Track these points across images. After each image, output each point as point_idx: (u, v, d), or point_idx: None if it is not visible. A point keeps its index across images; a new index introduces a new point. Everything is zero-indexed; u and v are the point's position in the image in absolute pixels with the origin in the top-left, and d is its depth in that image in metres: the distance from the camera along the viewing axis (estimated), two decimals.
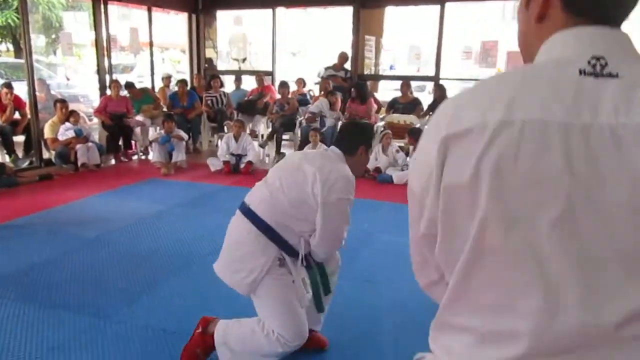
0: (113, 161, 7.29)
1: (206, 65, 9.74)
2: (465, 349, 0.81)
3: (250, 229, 2.31)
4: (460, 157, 0.76)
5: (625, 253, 0.72)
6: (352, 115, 7.24)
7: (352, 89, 7.70)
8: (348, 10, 8.73)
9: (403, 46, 13.50)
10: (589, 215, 0.72)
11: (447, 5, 7.83)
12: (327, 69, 8.69)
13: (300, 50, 17.02)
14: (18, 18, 10.29)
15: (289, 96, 7.91)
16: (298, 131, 7.63)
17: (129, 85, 7.93)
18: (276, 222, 2.24)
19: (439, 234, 0.82)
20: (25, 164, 6.70)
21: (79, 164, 6.45)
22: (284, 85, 7.87)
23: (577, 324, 0.73)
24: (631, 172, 0.70)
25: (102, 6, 7.62)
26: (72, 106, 6.95)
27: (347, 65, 8.53)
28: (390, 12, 9.08)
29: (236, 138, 6.66)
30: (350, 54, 8.58)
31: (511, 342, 0.76)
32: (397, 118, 7.50)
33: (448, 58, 7.76)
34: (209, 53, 9.94)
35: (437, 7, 7.88)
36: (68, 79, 10.93)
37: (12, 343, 2.55)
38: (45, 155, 6.76)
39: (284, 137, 7.64)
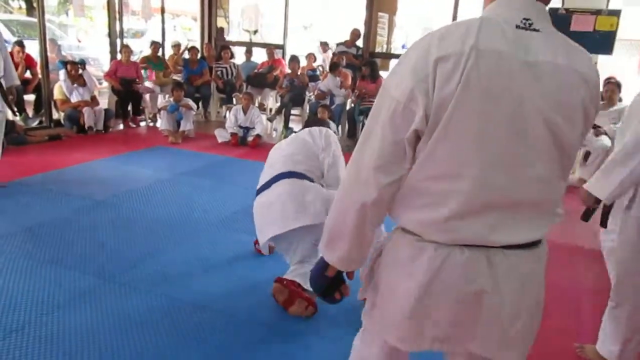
0: (121, 126, 7.32)
1: (216, 35, 9.67)
2: (427, 208, 1.13)
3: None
4: (447, 72, 1.05)
5: (529, 149, 1.09)
6: (362, 94, 7.20)
7: (363, 67, 7.64)
8: None
9: (416, 25, 13.33)
10: (514, 119, 1.07)
11: None
12: (338, 45, 8.60)
13: (312, 24, 16.80)
14: None
15: (299, 72, 7.85)
16: (307, 106, 7.61)
17: (153, 43, 8.04)
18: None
19: (427, 127, 1.08)
20: (35, 124, 6.74)
21: (86, 126, 6.47)
22: (294, 59, 7.81)
23: (498, 190, 1.10)
24: (551, 92, 1.07)
25: None
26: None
27: (359, 43, 8.45)
28: None
29: (245, 110, 6.66)
30: (362, 31, 8.49)
31: (454, 200, 1.10)
32: None
33: None
34: (220, 23, 9.84)
35: None
36: (79, 41, 10.88)
37: (19, 298, 2.62)
38: (55, 115, 6.79)
39: (293, 112, 7.62)
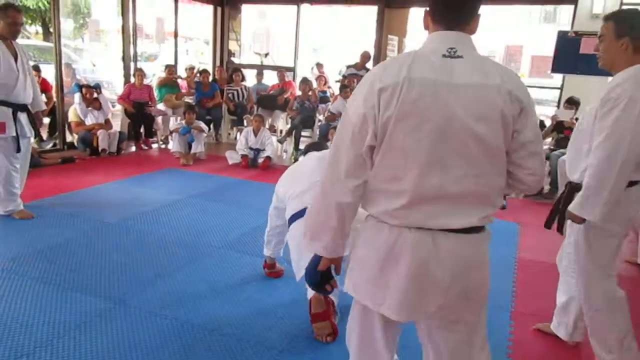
0: (133, 148, 7.41)
1: (229, 58, 9.82)
2: (384, 201, 1.45)
3: None
4: (387, 98, 1.36)
5: (456, 154, 1.37)
6: None
7: None
8: (372, 9, 8.74)
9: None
10: (448, 135, 1.36)
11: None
12: (348, 67, 8.70)
13: (322, 47, 17.00)
14: (48, 2, 10.49)
15: (310, 93, 7.93)
16: (317, 129, 7.66)
17: (168, 67, 8.29)
18: None
19: (377, 143, 1.41)
20: (49, 146, 6.85)
21: (100, 149, 6.56)
22: (305, 81, 7.90)
23: (433, 187, 1.39)
24: (471, 107, 1.35)
25: None
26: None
27: (369, 65, 8.53)
28: (415, 13, 9.05)
29: (255, 132, 6.72)
30: (372, 54, 8.58)
31: (402, 196, 1.41)
32: None
33: None
34: (232, 46, 10.01)
35: None
36: (94, 65, 11.10)
37: (30, 321, 2.63)
38: (69, 138, 6.90)
39: (303, 133, 7.68)
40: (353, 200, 1.47)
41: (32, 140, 4.36)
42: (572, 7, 7.03)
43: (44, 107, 4.53)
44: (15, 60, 3.93)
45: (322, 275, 1.61)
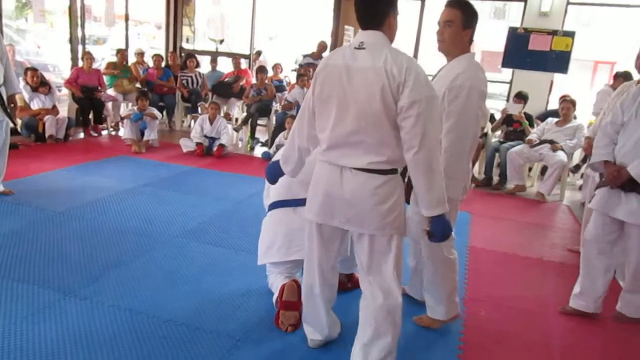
0: (82, 135, 7.13)
1: (181, 43, 9.57)
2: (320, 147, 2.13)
3: None
4: (315, 78, 2.07)
5: (351, 116, 1.96)
6: None
7: None
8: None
9: None
10: (347, 103, 1.96)
11: (427, 2, 7.92)
12: (305, 56, 8.67)
13: (277, 35, 16.85)
14: None
15: (266, 81, 7.86)
16: (273, 117, 7.61)
17: (119, 51, 7.93)
18: None
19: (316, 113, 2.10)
20: None
21: (47, 135, 6.28)
22: (262, 70, 7.81)
23: (338, 138, 2.00)
24: (360, 82, 1.93)
25: None
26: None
27: (325, 54, 8.52)
28: None
29: (211, 120, 6.60)
30: (329, 43, 8.58)
31: (324, 142, 2.06)
32: None
33: (426, 53, 7.85)
34: (185, 31, 9.76)
35: (418, 3, 7.96)
36: (39, 47, 10.55)
37: None
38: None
39: (259, 122, 7.61)
40: (306, 146, 2.22)
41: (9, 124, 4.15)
42: (521, 4, 7.26)
43: (19, 90, 4.32)
44: None
45: (279, 170, 2.36)
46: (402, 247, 2.12)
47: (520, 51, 7.11)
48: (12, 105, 4.16)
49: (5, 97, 4.03)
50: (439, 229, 2.02)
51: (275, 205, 2.86)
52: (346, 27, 8.83)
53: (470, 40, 2.42)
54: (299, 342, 2.51)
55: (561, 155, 5.86)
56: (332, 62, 2.01)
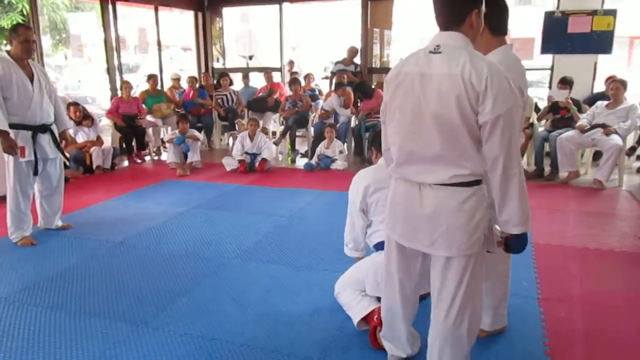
0: (126, 163, 7.27)
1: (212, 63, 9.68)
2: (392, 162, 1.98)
3: None
4: (386, 87, 1.94)
5: (425, 127, 1.79)
6: (368, 111, 7.16)
7: (356, 92, 7.59)
8: (353, 3, 8.65)
9: (414, 38, 13.37)
10: (421, 114, 1.79)
11: None
12: (336, 63, 8.62)
13: (300, 45, 16.89)
14: (24, 20, 10.25)
15: (301, 92, 7.85)
16: (311, 128, 7.59)
17: (151, 77, 7.95)
18: None
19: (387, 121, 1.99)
20: None
21: (94, 166, 6.42)
22: (295, 81, 7.81)
23: (410, 152, 1.86)
24: (434, 91, 1.74)
25: (109, 6, 7.57)
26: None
27: (357, 60, 8.47)
28: (400, 5, 9.00)
29: (251, 137, 6.62)
30: (359, 47, 8.51)
31: (395, 156, 1.93)
32: None
33: None
34: (215, 51, 9.88)
35: None
36: (79, 81, 10.86)
37: (51, 355, 2.53)
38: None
39: (297, 133, 7.60)
40: (387, 163, 2.09)
41: (62, 160, 4.27)
42: None
43: (70, 126, 4.43)
44: (32, 80, 3.82)
45: None
46: (482, 267, 1.94)
47: (560, 35, 6.87)
48: (65, 141, 4.26)
49: (57, 134, 4.12)
50: (521, 245, 1.88)
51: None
52: (375, 29, 8.75)
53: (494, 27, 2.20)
54: (379, 358, 2.44)
55: (616, 139, 5.62)
56: (405, 69, 1.83)
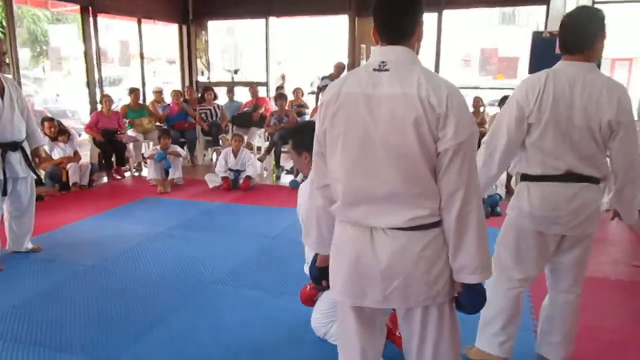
0: (105, 179, 7.02)
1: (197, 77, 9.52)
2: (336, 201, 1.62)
3: None
4: (323, 112, 1.58)
5: (376, 160, 1.49)
6: None
7: None
8: (341, 18, 8.59)
9: None
10: (370, 143, 1.49)
11: (445, 12, 7.73)
12: (323, 78, 8.52)
13: (285, 59, 16.81)
14: (3, 32, 9.99)
15: (287, 107, 7.71)
16: None
17: (133, 90, 7.73)
18: None
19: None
20: None
21: (71, 183, 6.18)
22: (281, 96, 7.68)
23: (358, 190, 1.53)
24: (386, 115, 1.46)
25: (90, 18, 7.38)
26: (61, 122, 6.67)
27: (344, 75, 8.37)
28: None
29: (235, 153, 6.45)
30: (346, 63, 8.43)
31: (339, 195, 1.58)
32: None
33: (447, 66, 7.64)
34: (200, 64, 9.72)
35: (435, 15, 7.78)
36: (58, 95, 10.60)
37: None
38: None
39: (283, 149, 7.44)
40: (322, 202, 1.68)
41: (34, 179, 4.04)
42: (535, 7, 7.02)
43: (43, 143, 4.22)
44: (2, 95, 3.61)
45: (318, 270, 1.81)
46: (457, 319, 1.68)
47: (547, 56, 6.81)
48: (38, 158, 4.05)
49: (29, 152, 3.91)
50: (477, 300, 1.60)
51: None
52: (362, 45, 8.68)
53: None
54: None
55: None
56: (345, 90, 1.52)
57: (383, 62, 1.49)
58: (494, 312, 2.39)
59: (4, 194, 3.77)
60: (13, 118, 3.69)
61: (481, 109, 7.54)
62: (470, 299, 1.58)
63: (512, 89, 2.33)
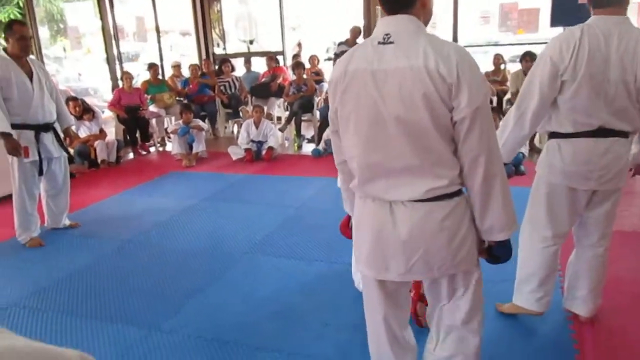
0: (131, 155, 7.18)
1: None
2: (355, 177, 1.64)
3: None
4: (332, 91, 1.57)
5: (388, 135, 1.47)
6: None
7: None
8: None
9: None
10: (381, 119, 1.46)
11: None
12: (339, 44, 8.42)
13: (300, 25, 16.56)
14: (20, 13, 10.09)
15: (304, 76, 7.69)
16: (317, 112, 7.45)
17: (152, 66, 7.79)
18: None
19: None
20: None
21: (99, 160, 6.35)
22: (299, 65, 7.65)
23: (374, 165, 1.53)
24: (394, 91, 1.42)
25: None
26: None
27: (360, 40, 8.27)
28: None
29: (256, 124, 6.51)
30: (362, 26, 8.30)
31: (356, 172, 1.60)
32: None
33: (465, 24, 7.47)
34: (215, 35, 9.69)
35: None
36: (80, 74, 10.74)
37: None
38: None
39: (303, 118, 7.47)
40: (342, 177, 1.77)
41: (66, 159, 4.18)
42: None
43: (72, 122, 4.35)
44: (31, 78, 3.71)
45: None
46: (481, 284, 1.70)
47: (571, 5, 6.63)
48: (69, 138, 4.17)
49: (60, 132, 4.03)
50: (507, 253, 1.64)
51: None
52: (377, 7, 8.54)
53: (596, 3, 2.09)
54: None
55: None
56: (351, 67, 1.49)
57: (387, 35, 1.44)
58: (530, 271, 2.45)
59: (40, 173, 3.91)
60: (43, 100, 3.80)
61: (502, 66, 7.41)
62: (501, 252, 1.63)
63: (534, 43, 2.32)
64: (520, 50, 6.91)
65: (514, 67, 7.28)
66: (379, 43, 1.45)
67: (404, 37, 1.43)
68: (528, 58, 6.18)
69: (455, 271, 1.61)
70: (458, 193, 1.53)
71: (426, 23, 1.52)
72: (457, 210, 1.53)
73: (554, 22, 6.91)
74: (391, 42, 1.43)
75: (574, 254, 2.52)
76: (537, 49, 9.58)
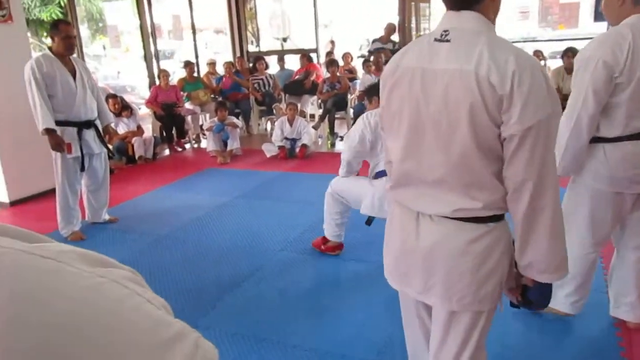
0: (167, 151, 7.30)
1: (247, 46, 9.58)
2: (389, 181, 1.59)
3: None
4: (381, 88, 1.47)
5: (427, 142, 1.34)
6: None
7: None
8: None
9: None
10: (421, 124, 1.34)
11: None
12: (374, 41, 8.37)
13: (332, 22, 16.50)
14: (62, 12, 10.39)
15: (338, 74, 7.67)
16: (350, 110, 7.42)
17: (188, 64, 7.90)
18: None
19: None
20: None
21: (137, 156, 6.48)
22: (332, 63, 7.63)
23: (409, 172, 1.43)
24: (439, 95, 1.28)
25: None
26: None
27: (395, 37, 8.19)
28: None
29: (290, 122, 6.52)
30: (396, 23, 8.23)
31: (391, 174, 1.53)
32: None
33: (504, 19, 7.31)
34: (249, 33, 9.75)
35: None
36: (119, 72, 11.00)
37: None
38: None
39: (336, 116, 7.45)
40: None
41: (107, 155, 4.29)
42: None
43: (112, 120, 4.47)
44: (74, 77, 3.83)
45: None
46: (489, 327, 1.51)
47: None
48: (108, 135, 4.27)
49: (101, 129, 4.12)
50: (543, 299, 1.45)
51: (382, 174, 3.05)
52: (412, 3, 8.44)
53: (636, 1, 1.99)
54: None
55: None
56: (404, 63, 1.37)
57: (446, 31, 1.29)
58: (566, 278, 2.37)
59: (82, 169, 4.02)
60: (86, 98, 3.90)
61: (542, 62, 7.23)
62: (536, 296, 1.43)
63: (574, 39, 2.26)
64: (558, 46, 6.73)
65: (553, 64, 7.09)
66: (435, 40, 1.31)
67: (463, 36, 1.28)
68: (570, 54, 6.01)
69: (479, 308, 1.41)
70: (495, 218, 1.36)
71: (494, 21, 1.35)
72: (489, 237, 1.36)
73: (598, 17, 6.71)
74: (447, 40, 1.28)
75: (616, 258, 2.44)
76: (578, 45, 9.32)
